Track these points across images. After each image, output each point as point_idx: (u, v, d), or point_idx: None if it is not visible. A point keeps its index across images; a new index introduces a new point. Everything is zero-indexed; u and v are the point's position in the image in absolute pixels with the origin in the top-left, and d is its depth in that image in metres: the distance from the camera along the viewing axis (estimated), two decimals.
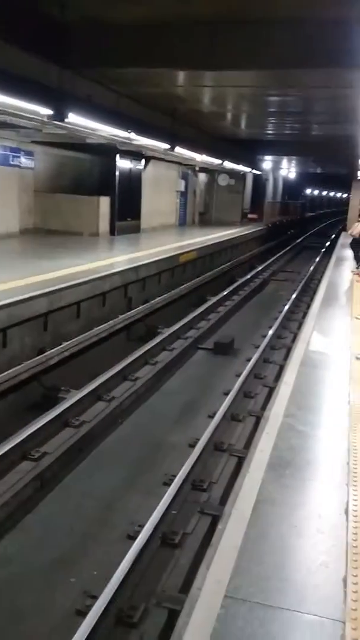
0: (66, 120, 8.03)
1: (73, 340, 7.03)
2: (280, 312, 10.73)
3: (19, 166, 12.53)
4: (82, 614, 3.02)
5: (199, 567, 3.43)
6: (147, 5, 7.03)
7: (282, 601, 2.14)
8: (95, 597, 3.11)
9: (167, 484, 4.35)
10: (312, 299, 10.36)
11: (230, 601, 2.12)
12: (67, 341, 6.94)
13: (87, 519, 4.14)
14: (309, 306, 10.17)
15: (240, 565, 2.33)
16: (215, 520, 4.07)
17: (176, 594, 3.34)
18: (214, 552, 2.47)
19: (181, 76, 9.74)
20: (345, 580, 2.27)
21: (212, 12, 7.19)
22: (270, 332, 8.97)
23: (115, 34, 7.99)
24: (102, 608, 2.95)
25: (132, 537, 3.70)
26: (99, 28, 7.92)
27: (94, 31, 8.00)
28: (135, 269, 9.55)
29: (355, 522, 2.66)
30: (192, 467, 4.48)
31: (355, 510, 2.75)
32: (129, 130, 10.32)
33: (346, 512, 2.74)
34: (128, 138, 10.92)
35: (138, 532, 3.68)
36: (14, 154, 12.22)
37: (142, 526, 3.74)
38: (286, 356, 7.96)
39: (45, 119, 8.19)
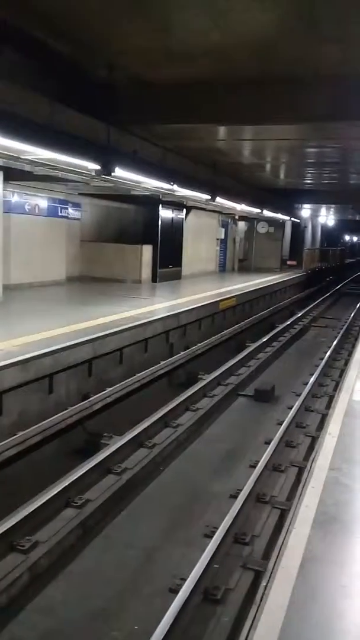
0: (113, 174, 8.43)
1: (116, 385, 7.13)
2: (322, 359, 10.59)
3: (66, 217, 13.12)
4: None
5: (241, 625, 3.37)
6: (189, 66, 7.42)
7: None
8: None
9: (209, 536, 4.29)
10: (354, 346, 10.20)
11: None
12: (111, 387, 7.04)
13: (128, 569, 4.11)
14: (350, 353, 10.02)
15: (288, 627, 2.26)
16: (258, 575, 3.97)
17: None
18: (260, 611, 2.42)
19: (222, 131, 10.10)
20: None
21: (255, 72, 7.51)
22: (312, 379, 8.86)
23: (160, 92, 8.40)
24: None
25: (174, 591, 3.65)
26: (144, 87, 8.37)
27: (140, 90, 8.44)
28: (177, 315, 9.70)
29: None
30: (234, 520, 4.41)
31: None
32: (172, 183, 10.70)
33: None
34: (171, 190, 11.31)
35: (180, 586, 3.63)
36: (62, 205, 12.82)
37: (183, 579, 3.69)
38: (328, 404, 7.82)
39: (93, 174, 8.62)
